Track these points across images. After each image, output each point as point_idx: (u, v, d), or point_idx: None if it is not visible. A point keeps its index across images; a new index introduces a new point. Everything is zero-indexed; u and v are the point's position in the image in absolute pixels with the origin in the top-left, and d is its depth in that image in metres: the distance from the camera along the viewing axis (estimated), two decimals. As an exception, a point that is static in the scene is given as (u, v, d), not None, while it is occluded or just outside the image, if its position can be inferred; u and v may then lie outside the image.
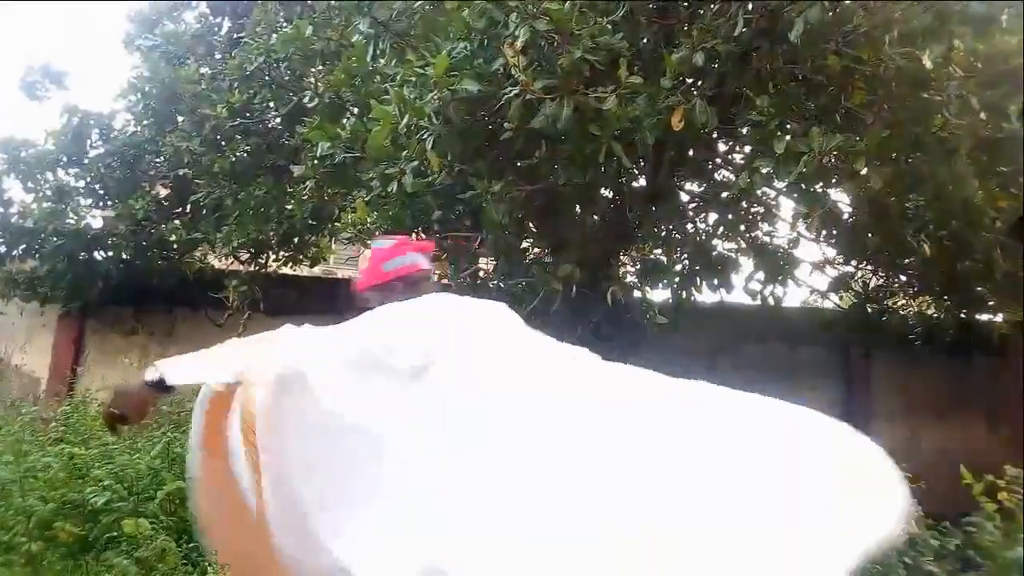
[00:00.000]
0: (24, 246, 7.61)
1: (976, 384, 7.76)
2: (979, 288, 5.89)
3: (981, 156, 4.07)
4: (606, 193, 5.58)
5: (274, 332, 2.05)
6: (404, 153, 4.41)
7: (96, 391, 6.99)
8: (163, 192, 8.01)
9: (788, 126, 4.09)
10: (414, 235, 5.69)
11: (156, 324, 8.38)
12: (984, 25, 3.78)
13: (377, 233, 4.89)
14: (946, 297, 6.53)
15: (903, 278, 6.63)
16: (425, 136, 4.27)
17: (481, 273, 6.00)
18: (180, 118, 7.52)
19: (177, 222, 7.80)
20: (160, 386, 2.00)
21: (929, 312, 7.08)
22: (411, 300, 2.15)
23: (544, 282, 4.96)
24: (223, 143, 7.15)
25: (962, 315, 6.72)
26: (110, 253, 7.86)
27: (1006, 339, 6.34)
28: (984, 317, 6.87)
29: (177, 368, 1.99)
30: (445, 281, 5.81)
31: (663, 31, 4.73)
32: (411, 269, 2.41)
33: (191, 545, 4.29)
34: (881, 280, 6.93)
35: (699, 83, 4.47)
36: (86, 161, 7.79)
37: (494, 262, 5.84)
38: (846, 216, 5.56)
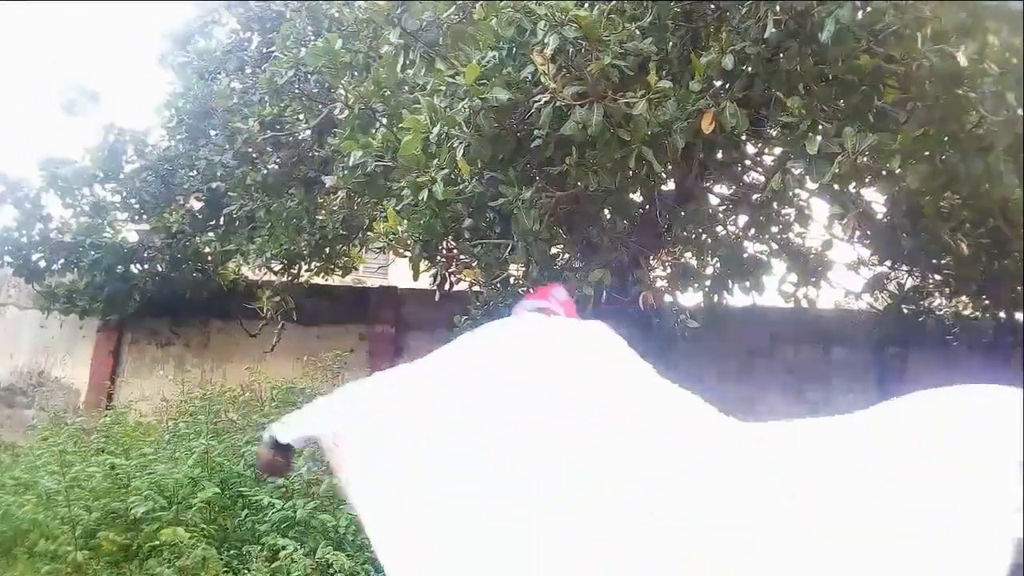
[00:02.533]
0: (63, 260, 7.76)
1: (1017, 385, 7.60)
2: (1018, 287, 5.79)
3: (1019, 153, 4.00)
4: (636, 197, 5.57)
5: (369, 380, 2.20)
6: (435, 162, 4.44)
7: (135, 402, 7.12)
8: (197, 205, 8.14)
9: (820, 127, 4.06)
10: (444, 243, 5.73)
11: (191, 335, 8.50)
12: (1020, 21, 3.72)
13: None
14: (984, 296, 6.43)
15: (939, 278, 6.53)
16: (456, 144, 4.29)
17: (511, 280, 6.01)
18: (213, 132, 7.63)
19: (211, 234, 7.90)
20: (279, 447, 2.15)
21: (967, 312, 6.97)
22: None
23: (575, 288, 4.97)
24: (255, 156, 7.25)
25: (1001, 314, 6.60)
26: (146, 266, 7.99)
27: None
28: (1024, 317, 6.74)
29: (286, 428, 2.14)
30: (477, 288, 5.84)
31: (691, 34, 4.72)
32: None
33: (232, 552, 4.35)
34: (917, 280, 6.83)
35: (728, 86, 4.46)
36: (122, 176, 7.93)
37: (524, 268, 5.86)
38: (880, 216, 5.50)
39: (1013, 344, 6.80)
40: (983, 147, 3.93)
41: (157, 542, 4.27)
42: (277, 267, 7.63)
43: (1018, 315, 6.63)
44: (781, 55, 4.30)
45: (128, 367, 8.44)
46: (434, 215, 4.91)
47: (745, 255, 5.86)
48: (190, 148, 7.74)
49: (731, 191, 6.14)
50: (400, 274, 8.90)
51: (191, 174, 7.85)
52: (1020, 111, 3.74)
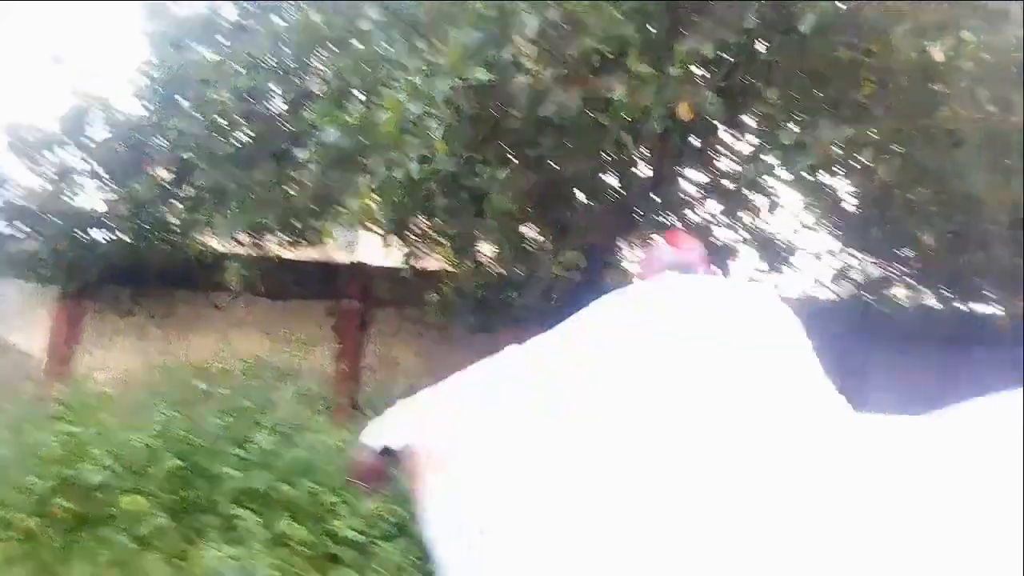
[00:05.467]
0: (26, 228, 7.58)
1: (975, 377, 7.73)
2: (979, 280, 5.90)
3: (988, 149, 4.06)
4: (610, 181, 5.58)
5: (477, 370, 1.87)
6: (412, 141, 4.40)
7: (94, 372, 7.02)
8: (166, 175, 7.98)
9: (796, 117, 4.09)
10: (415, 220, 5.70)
11: (156, 306, 8.37)
12: (996, 20, 3.76)
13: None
14: (946, 289, 6.54)
15: (904, 269, 6.64)
16: (434, 125, 4.25)
17: (483, 260, 6.00)
18: (185, 103, 7.48)
19: (179, 205, 7.77)
20: (387, 452, 1.90)
21: (928, 304, 7.09)
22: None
23: (547, 269, 4.98)
24: (227, 127, 7.12)
25: (962, 307, 6.73)
26: (111, 235, 7.84)
27: (1006, 331, 6.34)
28: (987, 310, 6.86)
29: (391, 431, 1.89)
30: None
31: (672, 21, 4.72)
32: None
33: (189, 523, 4.31)
34: (882, 271, 6.93)
35: (708, 74, 4.46)
36: (92, 146, 7.76)
37: (497, 249, 5.84)
38: (850, 207, 5.57)
39: (971, 337, 6.95)
40: (953, 142, 3.99)
41: (112, 511, 4.21)
42: (245, 239, 7.53)
43: (979, 309, 6.77)
44: (761, 45, 4.32)
45: (89, 336, 8.29)
46: (406, 193, 4.87)
47: (715, 240, 5.91)
48: (161, 117, 7.57)
49: (708, 178, 6.17)
50: (369, 250, 8.83)
51: (161, 143, 7.69)
52: (990, 107, 3.79)
